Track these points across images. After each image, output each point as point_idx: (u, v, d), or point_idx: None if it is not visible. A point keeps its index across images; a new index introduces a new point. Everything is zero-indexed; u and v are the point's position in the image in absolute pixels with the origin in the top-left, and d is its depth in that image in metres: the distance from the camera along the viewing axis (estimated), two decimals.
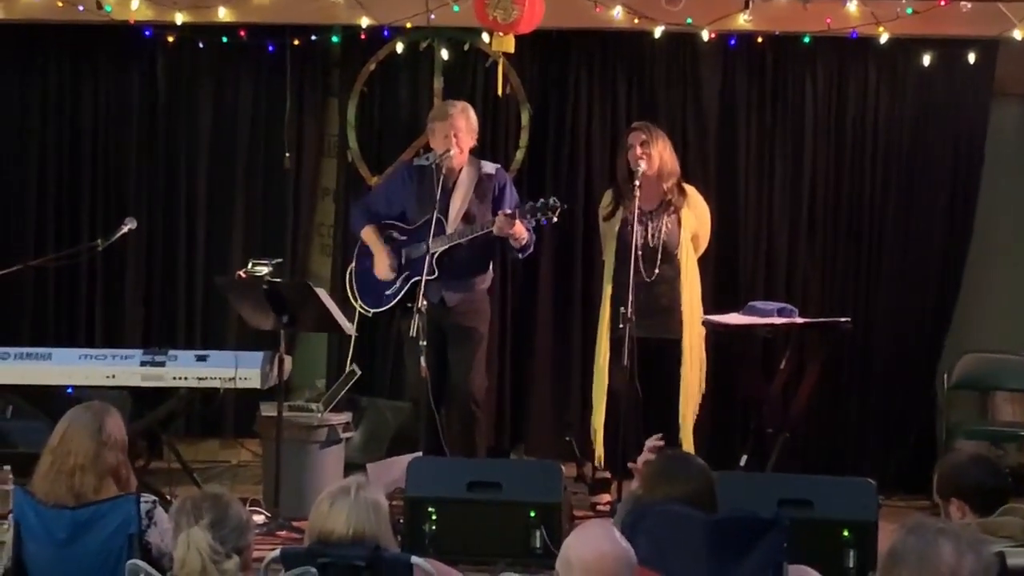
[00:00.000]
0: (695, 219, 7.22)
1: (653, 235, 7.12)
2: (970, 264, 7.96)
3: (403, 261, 6.99)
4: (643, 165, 6.98)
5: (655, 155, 7.06)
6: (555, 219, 6.81)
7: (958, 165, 7.95)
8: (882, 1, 7.50)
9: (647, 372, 7.04)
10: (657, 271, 7.10)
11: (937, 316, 7.97)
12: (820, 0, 7.59)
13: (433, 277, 6.64)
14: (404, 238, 7.00)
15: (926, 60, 7.80)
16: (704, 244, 7.33)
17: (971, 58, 7.77)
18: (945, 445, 7.38)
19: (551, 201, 6.75)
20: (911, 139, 7.98)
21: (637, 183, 6.91)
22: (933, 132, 7.97)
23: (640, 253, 7.03)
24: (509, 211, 6.76)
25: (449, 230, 6.83)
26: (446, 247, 6.79)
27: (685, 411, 7.13)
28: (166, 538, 4.26)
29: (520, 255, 7.02)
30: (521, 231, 6.77)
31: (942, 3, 7.43)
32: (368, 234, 7.08)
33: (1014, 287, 7.94)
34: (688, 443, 7.04)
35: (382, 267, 7.00)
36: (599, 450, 7.20)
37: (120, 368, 6.86)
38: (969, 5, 7.41)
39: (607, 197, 7.33)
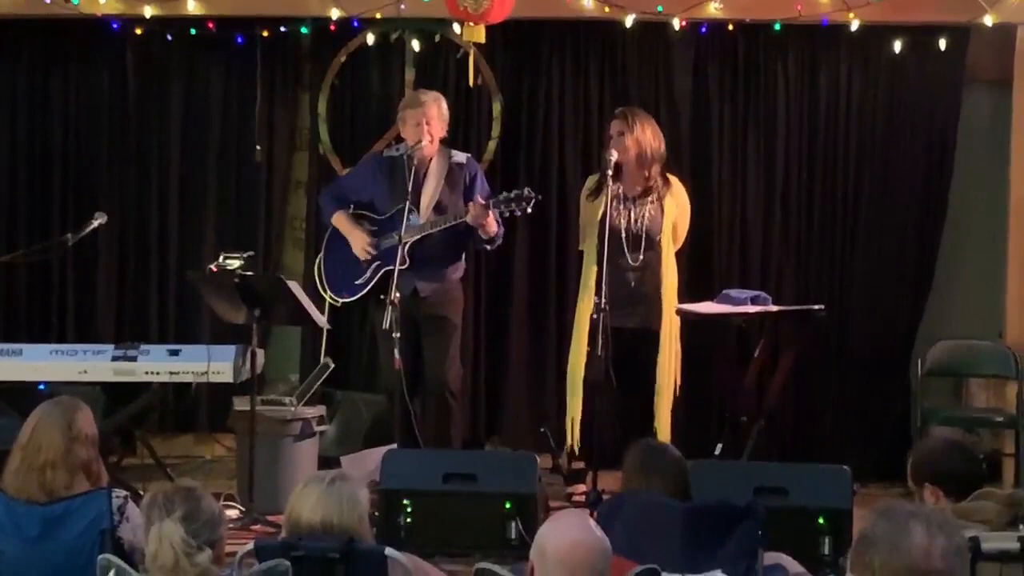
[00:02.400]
0: (677, 208, 7.21)
1: (636, 221, 7.11)
2: (943, 250, 7.97)
3: (375, 250, 6.96)
4: (615, 155, 6.96)
5: (630, 144, 7.04)
6: (529, 210, 6.79)
7: (930, 152, 7.96)
8: None
9: (625, 361, 7.04)
10: (641, 257, 7.09)
11: (911, 303, 7.99)
12: None
13: (405, 267, 6.60)
14: (375, 228, 6.96)
15: (897, 47, 7.80)
16: (682, 237, 7.32)
17: (942, 44, 7.78)
18: (919, 432, 7.38)
19: (525, 191, 6.74)
20: (883, 126, 7.99)
21: (609, 172, 6.90)
22: (905, 119, 7.97)
23: (624, 237, 7.03)
24: (483, 201, 6.74)
25: (421, 220, 6.81)
26: (418, 237, 6.76)
27: (661, 401, 7.12)
28: (138, 533, 4.23)
29: (488, 247, 7.00)
30: (492, 223, 6.75)
31: None
32: (339, 220, 7.05)
33: (987, 273, 7.94)
34: (664, 434, 7.03)
35: (360, 246, 6.95)
36: (576, 438, 7.15)
37: (92, 363, 6.82)
38: None
39: (592, 180, 7.30)
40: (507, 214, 6.79)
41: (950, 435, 7.07)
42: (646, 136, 7.10)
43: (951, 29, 7.74)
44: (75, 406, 4.54)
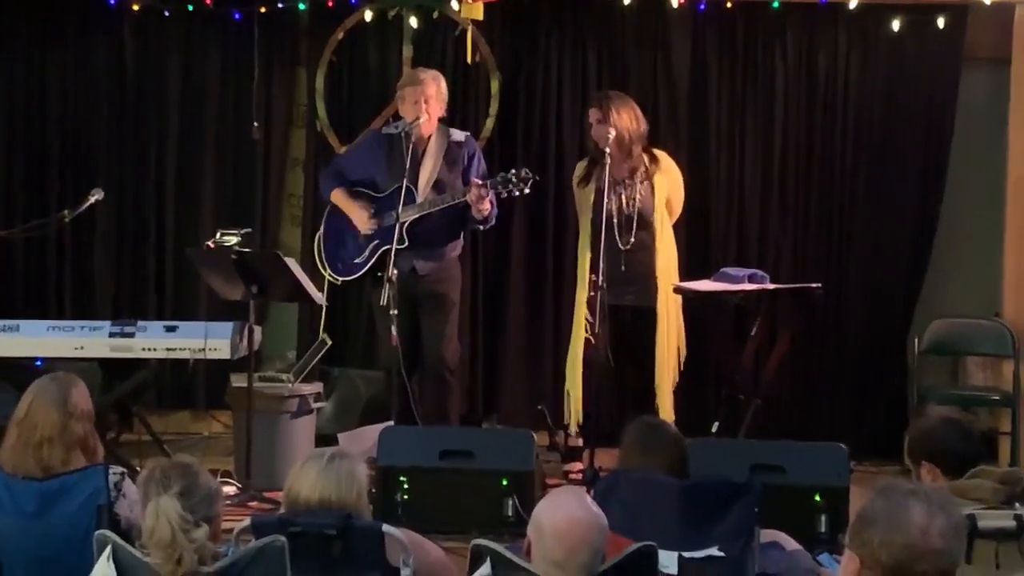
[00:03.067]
0: (668, 184, 7.20)
1: (628, 203, 7.10)
2: (941, 229, 7.97)
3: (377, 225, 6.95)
4: (613, 132, 6.94)
5: (610, 129, 6.99)
6: (527, 191, 6.77)
7: (928, 130, 7.96)
8: None
9: (624, 340, 7.04)
10: (633, 239, 7.07)
11: (908, 281, 7.99)
12: None
13: (403, 246, 6.59)
14: (374, 206, 6.95)
15: (896, 25, 7.79)
16: (677, 210, 7.31)
17: (941, 23, 7.77)
18: (916, 410, 7.39)
19: (523, 172, 6.71)
20: (882, 105, 7.98)
21: (607, 151, 6.88)
22: (903, 97, 7.97)
23: (616, 220, 7.02)
24: (480, 181, 6.71)
25: (419, 198, 6.78)
26: (416, 216, 6.75)
27: (661, 378, 7.12)
28: (135, 510, 4.23)
29: (481, 227, 6.97)
30: (486, 203, 6.72)
31: None
32: (338, 196, 7.02)
33: (985, 251, 7.93)
34: (666, 411, 7.03)
35: (361, 221, 6.92)
36: (578, 415, 7.12)
37: (89, 340, 6.82)
38: None
39: (580, 166, 7.29)
40: (505, 195, 6.77)
41: (947, 413, 7.07)
42: (623, 120, 7.05)
43: (950, 7, 7.74)
44: (71, 382, 4.53)
